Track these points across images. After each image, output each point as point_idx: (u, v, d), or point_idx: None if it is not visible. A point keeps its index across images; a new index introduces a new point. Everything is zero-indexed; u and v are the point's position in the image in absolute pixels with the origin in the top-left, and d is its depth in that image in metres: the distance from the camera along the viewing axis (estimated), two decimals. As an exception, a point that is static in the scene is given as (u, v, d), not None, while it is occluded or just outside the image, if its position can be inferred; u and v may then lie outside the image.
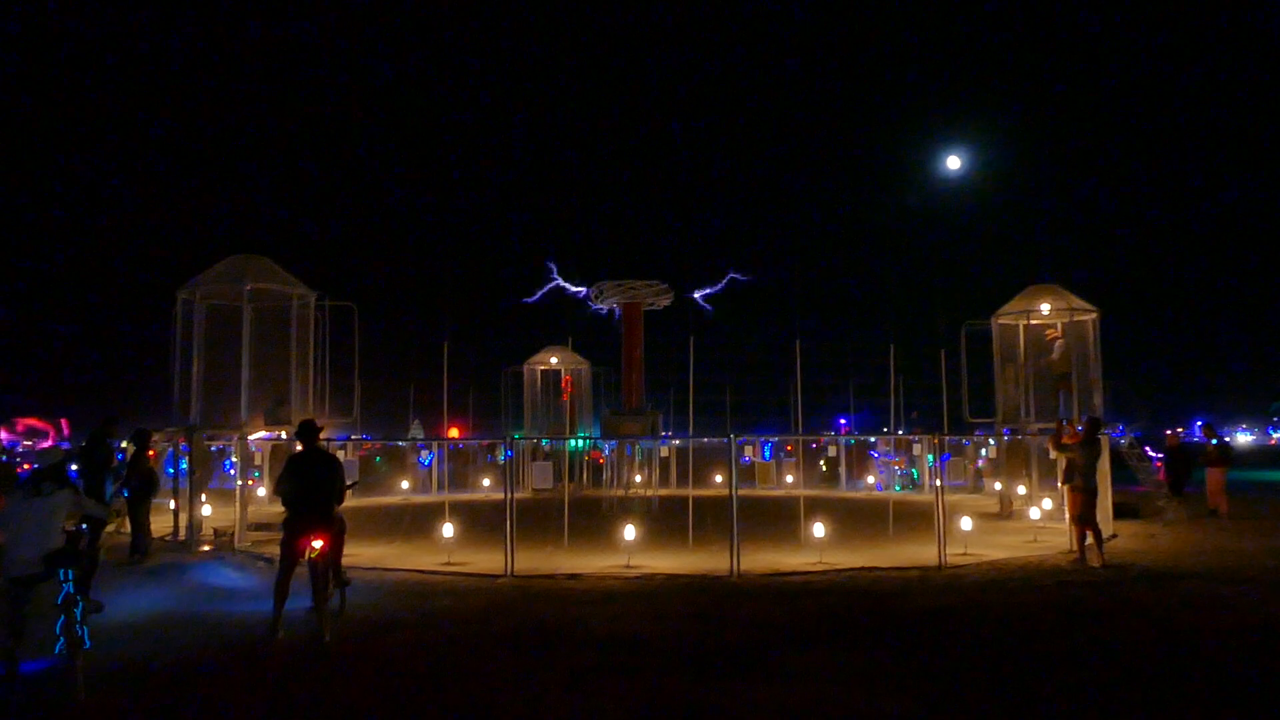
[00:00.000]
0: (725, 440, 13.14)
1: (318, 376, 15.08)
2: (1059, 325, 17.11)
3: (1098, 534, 11.67)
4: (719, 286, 22.01)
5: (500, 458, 24.71)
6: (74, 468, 11.37)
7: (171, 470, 16.06)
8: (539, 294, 22.65)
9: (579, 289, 22.14)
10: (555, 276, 22.25)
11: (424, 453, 25.63)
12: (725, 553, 11.15)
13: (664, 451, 23.19)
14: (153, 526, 12.95)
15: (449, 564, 11.57)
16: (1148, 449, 19.74)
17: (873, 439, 27.70)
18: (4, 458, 20.92)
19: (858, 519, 15.84)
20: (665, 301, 21.56)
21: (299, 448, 8.48)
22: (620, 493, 19.05)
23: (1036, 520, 14.65)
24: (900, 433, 24.14)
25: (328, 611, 7.94)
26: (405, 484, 24.13)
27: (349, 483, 9.01)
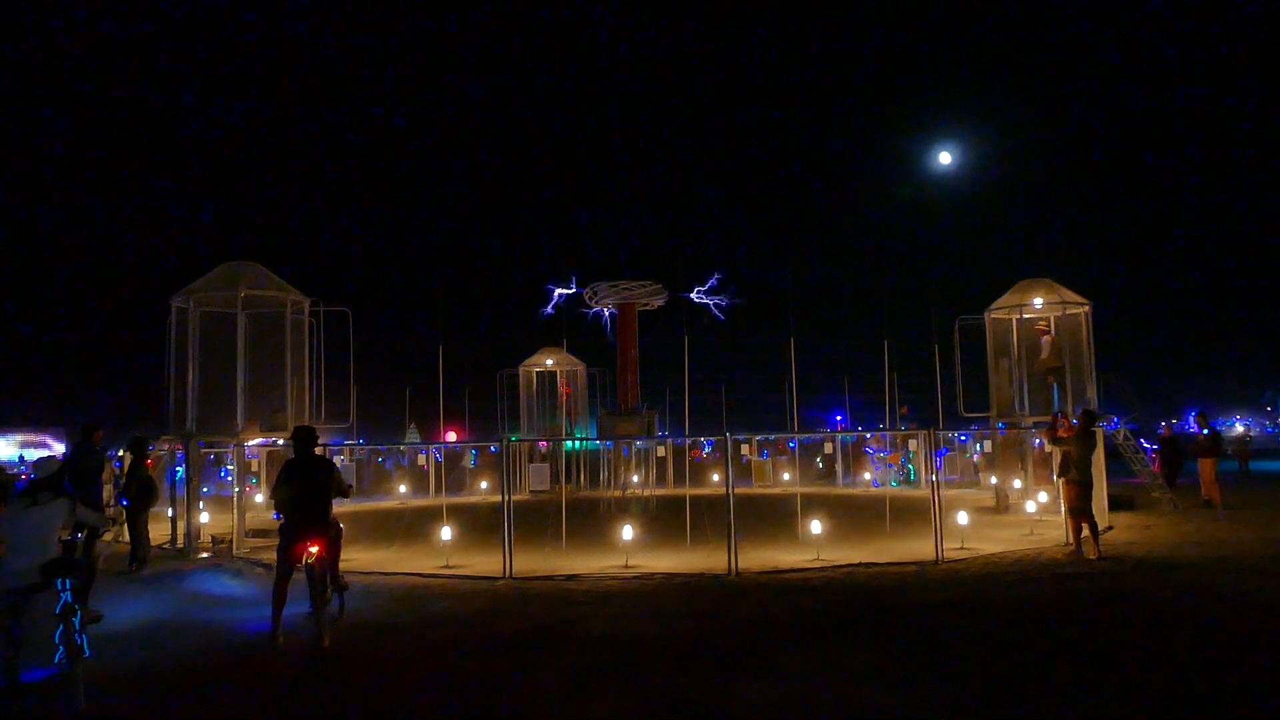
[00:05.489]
0: (712, 439, 13.20)
1: (313, 382, 15.07)
2: (1050, 320, 17.19)
3: (1094, 526, 11.71)
4: (710, 287, 22.00)
5: (469, 462, 24.84)
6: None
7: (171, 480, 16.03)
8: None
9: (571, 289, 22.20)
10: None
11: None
12: (723, 551, 11.18)
13: (660, 451, 23.22)
14: (151, 534, 12.94)
15: (447, 567, 11.59)
16: (1142, 441, 19.83)
17: (868, 435, 27.77)
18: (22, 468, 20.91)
19: (854, 515, 15.87)
20: (659, 302, 21.61)
21: (294, 453, 8.48)
22: (617, 493, 19.07)
23: (1033, 514, 14.71)
24: (892, 430, 24.20)
25: (326, 616, 7.95)
26: (403, 488, 24.15)
27: (348, 484, 9.04)
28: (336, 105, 76.69)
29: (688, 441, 27.53)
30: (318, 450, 8.82)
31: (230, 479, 17.26)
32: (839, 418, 31.79)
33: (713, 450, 27.49)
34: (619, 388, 21.61)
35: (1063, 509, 12.35)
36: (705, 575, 10.75)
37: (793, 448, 27.43)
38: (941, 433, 19.28)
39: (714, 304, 22.24)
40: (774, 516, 15.73)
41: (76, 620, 6.49)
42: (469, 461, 25.27)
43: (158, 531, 13.92)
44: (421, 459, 24.59)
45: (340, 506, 9.19)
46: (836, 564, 11.18)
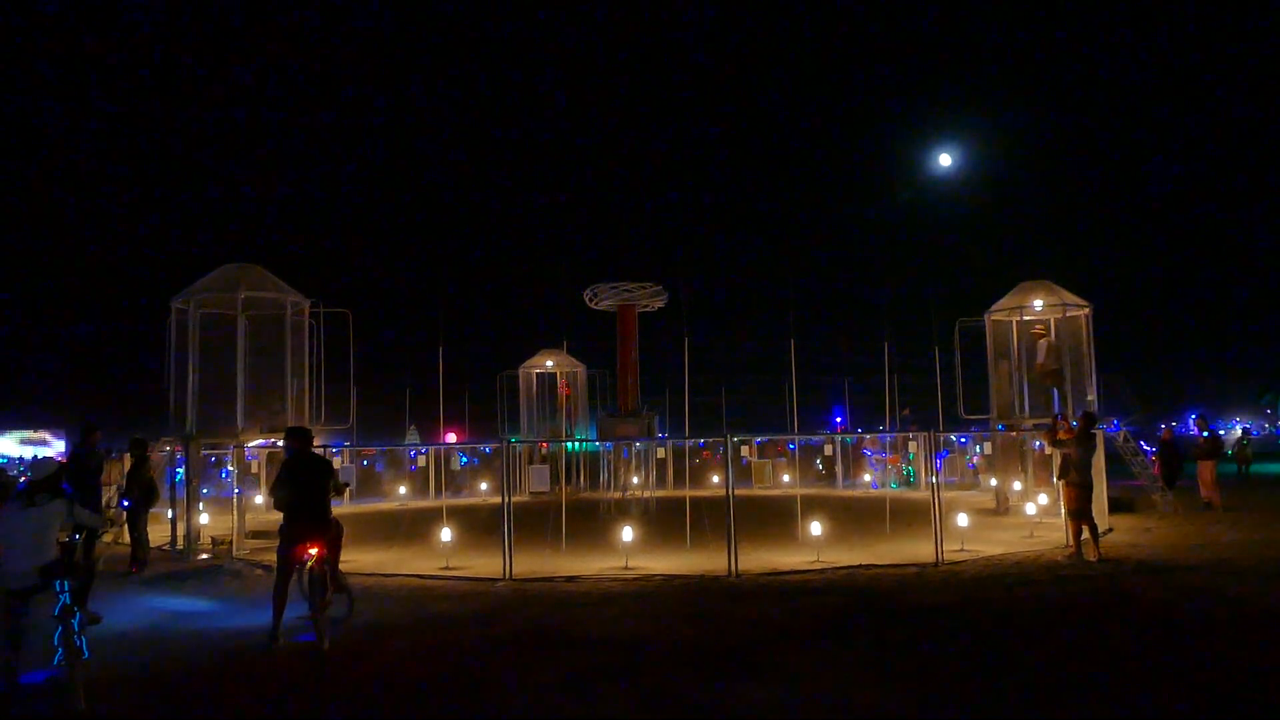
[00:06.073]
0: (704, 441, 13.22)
1: (313, 383, 15.08)
2: (1047, 323, 17.20)
3: (1094, 529, 11.71)
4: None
5: (458, 464, 24.88)
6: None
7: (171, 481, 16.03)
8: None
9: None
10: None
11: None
12: (723, 553, 11.17)
13: (660, 452, 23.21)
14: (151, 536, 12.95)
15: (447, 569, 11.58)
16: (1142, 443, 19.85)
17: (867, 436, 27.76)
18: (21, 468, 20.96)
19: (855, 517, 15.87)
20: (659, 303, 21.61)
21: (290, 454, 8.45)
22: (617, 495, 19.06)
23: (1032, 516, 14.70)
24: (890, 433, 24.21)
25: (325, 619, 7.90)
26: (403, 489, 24.15)
27: (344, 482, 9.05)
28: (337, 106, 76.70)
29: (698, 443, 27.59)
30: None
31: (230, 480, 17.27)
32: (839, 419, 31.79)
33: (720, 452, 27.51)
34: (619, 389, 21.61)
35: (1062, 511, 12.36)
36: (705, 577, 10.75)
37: (793, 449, 27.44)
38: (941, 435, 19.28)
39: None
40: (774, 518, 15.73)
41: (76, 622, 6.48)
42: (457, 463, 25.33)
43: (157, 533, 13.92)
44: (421, 459, 24.59)
45: (339, 508, 9.19)
46: (837, 566, 11.18)
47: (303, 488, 8.09)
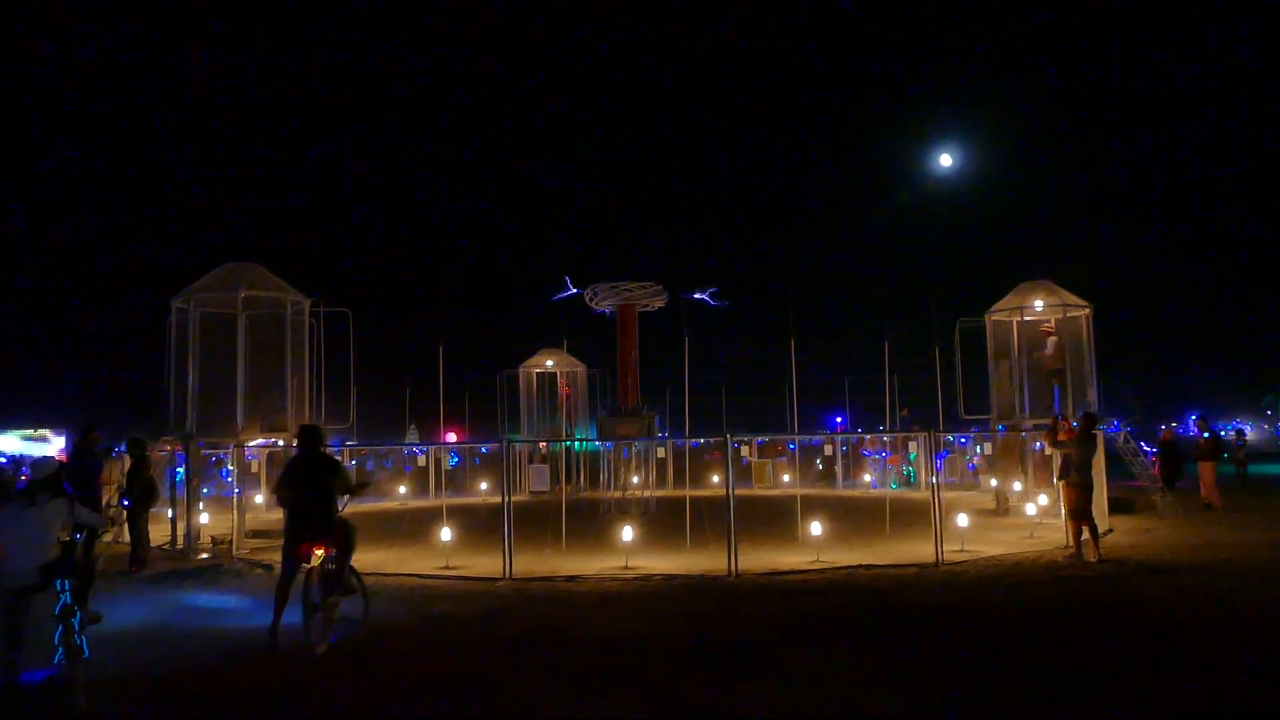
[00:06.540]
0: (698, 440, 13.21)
1: (313, 382, 15.08)
2: (1052, 321, 17.20)
3: (1094, 529, 11.71)
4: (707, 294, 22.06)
5: (448, 464, 24.98)
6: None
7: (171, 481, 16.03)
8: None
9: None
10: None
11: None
12: (723, 553, 11.18)
13: (660, 452, 23.22)
14: (151, 535, 12.94)
15: (448, 568, 11.58)
16: (1142, 444, 19.85)
17: (867, 436, 27.75)
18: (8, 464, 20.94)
19: (855, 517, 15.87)
20: (659, 303, 21.61)
21: (298, 452, 8.43)
22: (617, 494, 19.06)
23: (1033, 516, 14.71)
24: (892, 432, 24.21)
25: (327, 620, 7.82)
26: (403, 489, 24.15)
27: (363, 482, 8.99)
28: (336, 105, 76.66)
29: (694, 444, 27.59)
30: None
31: (230, 480, 17.27)
32: (839, 419, 31.78)
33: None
34: (619, 389, 21.62)
35: (1063, 512, 12.36)
36: (705, 576, 10.75)
37: (793, 449, 27.44)
38: (941, 435, 19.28)
39: (707, 297, 22.30)
40: (774, 518, 15.73)
41: (76, 621, 6.48)
42: (448, 463, 25.37)
43: (157, 532, 13.92)
44: (420, 459, 24.60)
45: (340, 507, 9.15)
46: (836, 566, 11.18)
47: (303, 487, 8.07)
